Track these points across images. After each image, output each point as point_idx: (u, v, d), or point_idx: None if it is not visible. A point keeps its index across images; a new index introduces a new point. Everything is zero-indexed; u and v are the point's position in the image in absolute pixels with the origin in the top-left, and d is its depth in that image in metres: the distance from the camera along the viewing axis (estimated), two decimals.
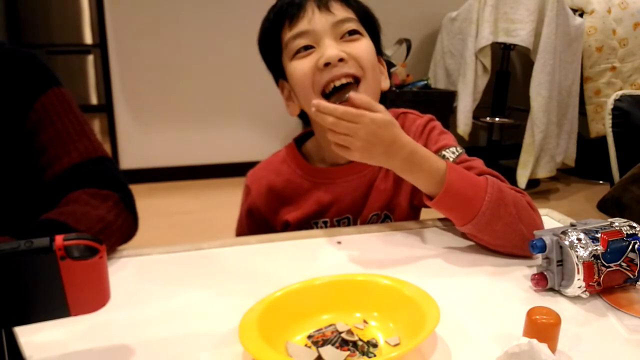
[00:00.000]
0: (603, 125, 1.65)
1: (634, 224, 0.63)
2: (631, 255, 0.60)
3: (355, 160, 0.74)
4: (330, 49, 0.77)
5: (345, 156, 0.74)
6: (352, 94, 0.72)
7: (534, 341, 0.44)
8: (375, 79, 0.82)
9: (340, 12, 0.79)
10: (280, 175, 0.91)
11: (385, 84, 0.86)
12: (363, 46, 0.80)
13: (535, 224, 0.74)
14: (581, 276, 0.59)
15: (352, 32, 0.80)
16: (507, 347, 0.45)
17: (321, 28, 0.78)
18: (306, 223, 0.90)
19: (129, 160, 3.27)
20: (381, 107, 0.72)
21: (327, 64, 0.76)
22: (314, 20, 0.78)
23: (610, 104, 1.42)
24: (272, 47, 0.83)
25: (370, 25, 0.85)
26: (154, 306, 0.61)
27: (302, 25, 0.79)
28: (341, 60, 0.76)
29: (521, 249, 0.71)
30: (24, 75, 0.80)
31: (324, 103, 0.72)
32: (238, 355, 0.51)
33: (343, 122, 0.70)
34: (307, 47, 0.79)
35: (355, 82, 0.78)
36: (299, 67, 0.79)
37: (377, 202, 0.89)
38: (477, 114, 3.11)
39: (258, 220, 0.93)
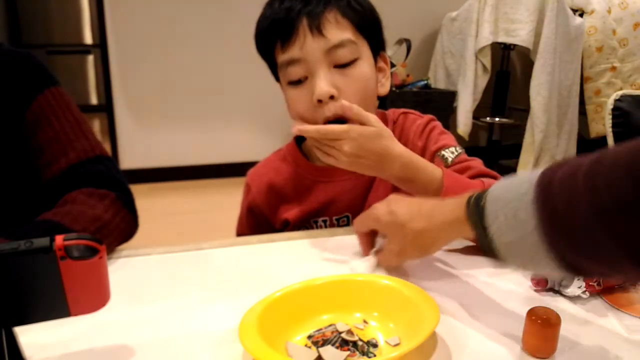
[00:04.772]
0: (603, 125, 1.64)
1: None
2: None
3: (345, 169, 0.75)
4: (322, 83, 0.74)
5: (335, 165, 0.75)
6: (344, 102, 0.72)
7: None
8: (370, 103, 0.80)
9: (334, 33, 0.75)
10: (281, 174, 0.91)
11: (384, 89, 0.84)
12: (357, 76, 0.77)
13: None
14: None
15: (347, 62, 0.76)
16: None
17: (313, 57, 0.75)
18: (306, 221, 0.90)
19: (129, 160, 3.27)
20: (373, 117, 0.72)
21: (319, 100, 0.75)
22: (305, 46, 0.75)
23: (610, 104, 1.42)
24: (267, 56, 0.82)
25: (370, 27, 0.81)
26: (154, 306, 0.61)
27: (294, 51, 0.75)
28: (332, 97, 0.74)
29: None
30: (20, 76, 0.80)
31: (305, 127, 0.73)
32: (238, 355, 0.50)
33: (326, 140, 0.71)
34: (300, 79, 0.77)
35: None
36: (295, 100, 0.79)
37: (377, 200, 0.88)
38: (477, 114, 3.11)
39: (258, 219, 0.93)
